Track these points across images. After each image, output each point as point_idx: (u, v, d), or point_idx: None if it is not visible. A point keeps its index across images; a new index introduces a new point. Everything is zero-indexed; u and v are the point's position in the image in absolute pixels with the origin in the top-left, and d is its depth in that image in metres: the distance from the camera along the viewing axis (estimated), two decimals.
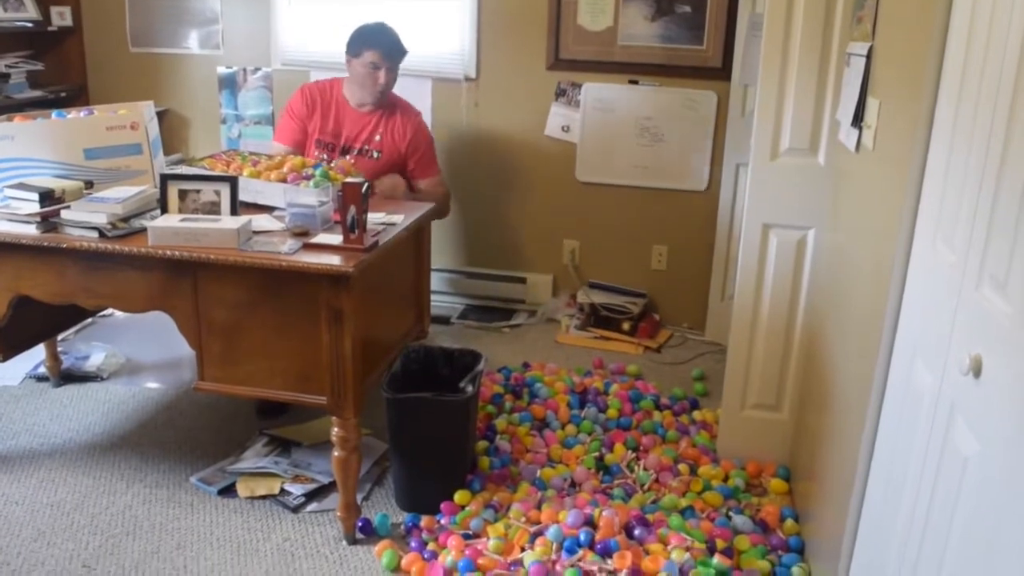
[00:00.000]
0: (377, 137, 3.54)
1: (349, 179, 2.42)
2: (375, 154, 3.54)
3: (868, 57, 2.25)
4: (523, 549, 2.42)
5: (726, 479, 2.86)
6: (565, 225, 4.35)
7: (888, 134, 2.06)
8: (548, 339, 4.11)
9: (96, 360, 3.66)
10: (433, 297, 3.43)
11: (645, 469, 2.87)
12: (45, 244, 2.46)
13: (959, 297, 1.52)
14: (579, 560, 2.32)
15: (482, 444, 2.97)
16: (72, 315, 3.25)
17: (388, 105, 3.60)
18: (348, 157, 3.44)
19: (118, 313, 4.19)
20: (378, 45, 3.47)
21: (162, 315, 2.49)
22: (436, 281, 4.06)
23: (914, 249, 1.83)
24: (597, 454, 2.94)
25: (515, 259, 4.45)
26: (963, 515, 1.44)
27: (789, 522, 2.63)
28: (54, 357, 3.48)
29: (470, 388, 2.64)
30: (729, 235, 4.04)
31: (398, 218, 2.72)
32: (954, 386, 1.52)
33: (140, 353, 3.79)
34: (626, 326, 4.08)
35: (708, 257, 4.15)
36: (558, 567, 2.31)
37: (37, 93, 4.47)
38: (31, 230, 2.49)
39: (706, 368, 3.77)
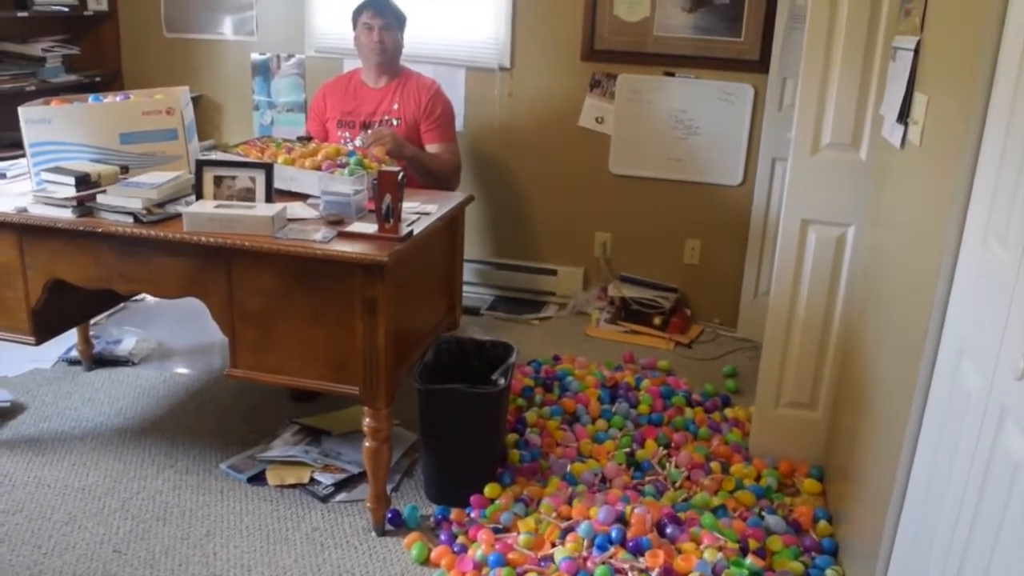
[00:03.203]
0: (395, 106, 3.55)
1: (385, 168, 2.40)
2: (395, 122, 3.54)
3: (916, 51, 2.20)
4: (554, 545, 2.40)
5: (759, 478, 2.82)
6: (597, 217, 4.31)
7: (937, 130, 2.01)
8: (578, 332, 4.08)
9: (128, 345, 3.68)
10: (463, 288, 3.41)
11: (677, 466, 2.84)
12: (80, 228, 2.46)
13: (1012, 296, 1.48)
14: (610, 557, 2.29)
15: (512, 437, 2.95)
16: (105, 300, 3.26)
17: (403, 76, 3.61)
18: (369, 131, 3.43)
19: (150, 298, 4.20)
20: (368, 5, 3.56)
21: (194, 301, 2.49)
22: (466, 272, 4.01)
23: (963, 246, 1.78)
24: (628, 450, 2.91)
25: (546, 251, 4.43)
26: (1013, 522, 1.40)
27: (823, 523, 2.59)
28: (86, 341, 3.50)
29: (502, 380, 2.62)
30: (763, 230, 3.99)
31: (432, 208, 2.70)
32: (1005, 389, 1.48)
33: (171, 338, 3.81)
34: (657, 320, 4.04)
35: (741, 252, 4.10)
36: (589, 564, 2.29)
37: (72, 77, 4.49)
38: (67, 214, 2.49)
39: (738, 365, 3.73)
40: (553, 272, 4.38)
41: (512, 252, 4.47)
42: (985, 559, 1.49)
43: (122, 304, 4.10)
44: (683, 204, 4.17)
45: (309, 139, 3.40)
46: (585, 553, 2.33)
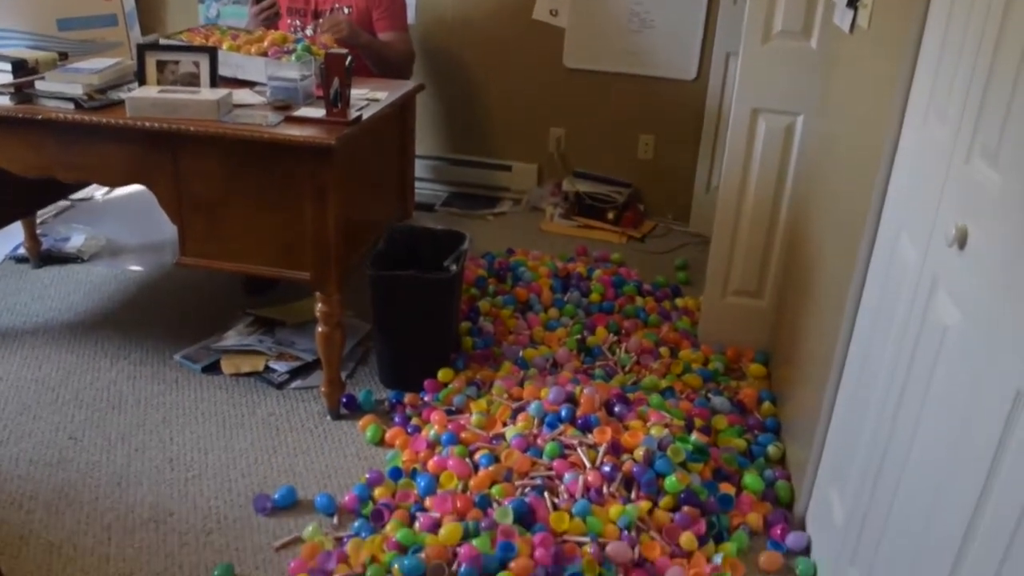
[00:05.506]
0: None
1: (333, 51, 2.36)
2: (346, 10, 3.45)
3: None
4: (505, 424, 2.46)
5: (706, 363, 2.90)
6: (551, 112, 4.28)
7: (884, 12, 2.02)
8: (532, 227, 4.10)
9: (76, 242, 3.63)
10: (417, 184, 3.40)
11: (626, 352, 2.90)
12: (20, 116, 2.40)
13: (948, 170, 1.52)
14: (560, 434, 2.36)
15: (465, 325, 2.98)
16: (48, 192, 3.20)
17: None
18: (320, 20, 3.35)
19: (97, 196, 4.14)
20: None
21: (142, 199, 2.46)
22: (420, 168, 4.00)
23: (905, 125, 1.81)
24: (579, 337, 2.96)
25: (500, 146, 4.40)
26: (939, 384, 1.46)
27: (767, 404, 2.67)
28: (33, 238, 3.44)
29: (454, 267, 2.64)
30: (716, 126, 4.00)
31: (382, 95, 2.67)
32: (938, 258, 1.53)
33: (121, 236, 3.76)
34: (610, 215, 4.06)
35: (694, 148, 4.12)
36: (539, 441, 2.35)
37: None
38: (4, 101, 2.43)
39: (689, 258, 3.78)
40: (508, 168, 4.37)
41: (466, 148, 4.44)
42: (912, 422, 1.56)
43: (68, 203, 4.04)
44: (637, 99, 4.15)
45: None
46: (535, 431, 2.40)
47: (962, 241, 1.41)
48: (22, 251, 3.51)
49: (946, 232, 1.46)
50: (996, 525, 1.19)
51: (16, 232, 3.45)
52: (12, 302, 3.19)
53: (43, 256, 3.50)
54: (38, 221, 3.55)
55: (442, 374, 2.68)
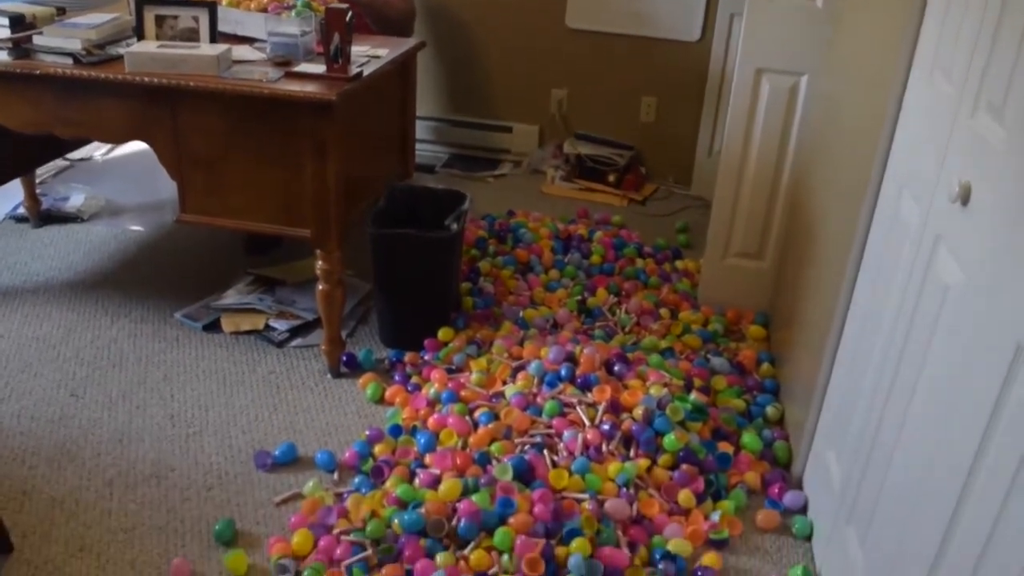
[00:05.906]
0: None
1: (333, 6, 2.33)
2: None
3: None
4: (505, 382, 2.47)
5: (706, 324, 2.90)
6: (553, 73, 4.25)
7: None
8: (533, 189, 4.08)
9: (76, 201, 3.62)
10: (417, 145, 3.38)
11: (627, 313, 2.90)
12: (18, 71, 2.38)
13: (952, 126, 1.51)
14: (559, 393, 2.36)
15: (465, 286, 2.98)
16: (47, 150, 3.19)
17: None
18: None
19: (97, 156, 4.12)
20: None
21: (142, 159, 2.44)
22: (421, 129, 3.98)
23: (910, 83, 1.80)
24: (580, 298, 2.96)
25: (501, 108, 4.37)
26: (939, 343, 1.46)
27: (766, 366, 2.68)
28: (33, 198, 3.43)
29: (455, 226, 2.63)
30: (720, 88, 3.97)
31: (383, 52, 2.64)
32: (940, 216, 1.52)
33: (121, 196, 3.74)
34: (612, 178, 4.05)
35: (697, 110, 4.09)
36: (539, 399, 2.36)
37: None
38: (2, 56, 2.41)
39: (690, 221, 3.77)
40: (509, 129, 4.35)
41: (467, 109, 4.41)
42: (911, 381, 1.56)
43: (67, 163, 4.02)
44: (640, 60, 4.12)
45: None
46: (535, 389, 2.40)
47: (965, 198, 1.40)
48: (22, 211, 3.50)
49: (949, 189, 1.45)
50: (992, 482, 1.20)
51: (16, 191, 3.44)
52: (12, 261, 3.19)
53: (43, 215, 3.49)
54: (37, 181, 3.54)
55: (442, 333, 2.68)
